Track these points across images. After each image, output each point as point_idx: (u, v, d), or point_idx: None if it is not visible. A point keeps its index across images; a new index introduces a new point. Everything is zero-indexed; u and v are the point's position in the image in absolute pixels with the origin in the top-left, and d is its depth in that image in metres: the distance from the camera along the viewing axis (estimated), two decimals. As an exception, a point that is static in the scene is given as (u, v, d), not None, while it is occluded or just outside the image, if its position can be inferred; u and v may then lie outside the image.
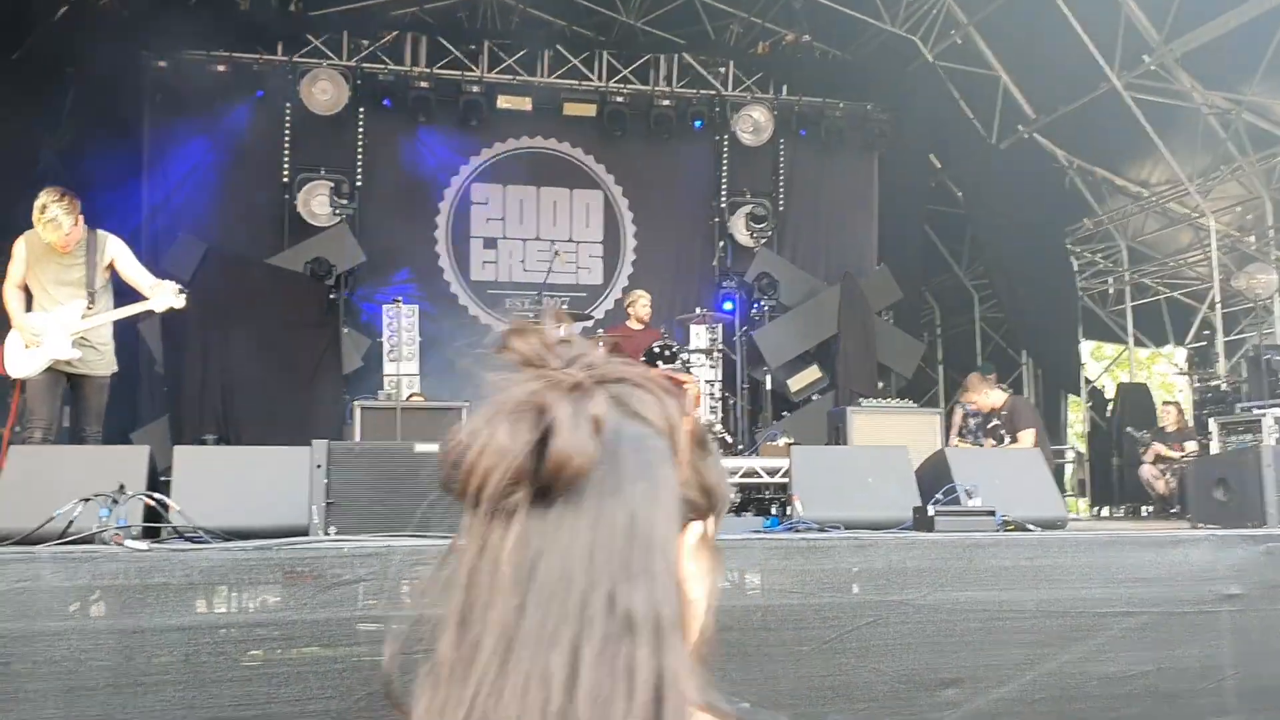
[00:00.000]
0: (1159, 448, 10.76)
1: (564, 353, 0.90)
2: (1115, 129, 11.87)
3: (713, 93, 14.01)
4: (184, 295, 6.04)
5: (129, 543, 3.86)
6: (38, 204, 5.86)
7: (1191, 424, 11.30)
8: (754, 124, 13.99)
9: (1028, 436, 9.19)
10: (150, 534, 4.21)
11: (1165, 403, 11.76)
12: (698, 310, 12.32)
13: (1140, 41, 10.90)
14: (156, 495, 4.37)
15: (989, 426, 9.58)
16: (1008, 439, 9.32)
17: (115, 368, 6.33)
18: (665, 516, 0.84)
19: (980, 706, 4.50)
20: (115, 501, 4.05)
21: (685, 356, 10.42)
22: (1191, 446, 10.63)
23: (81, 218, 6.02)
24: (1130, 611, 4.72)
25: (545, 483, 0.81)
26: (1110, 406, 13.11)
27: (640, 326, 10.51)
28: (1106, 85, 11.42)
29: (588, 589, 0.78)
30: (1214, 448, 9.91)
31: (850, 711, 4.34)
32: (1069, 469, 13.70)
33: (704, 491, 0.90)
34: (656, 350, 9.77)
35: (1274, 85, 10.56)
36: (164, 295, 5.96)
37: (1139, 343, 14.00)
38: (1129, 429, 11.38)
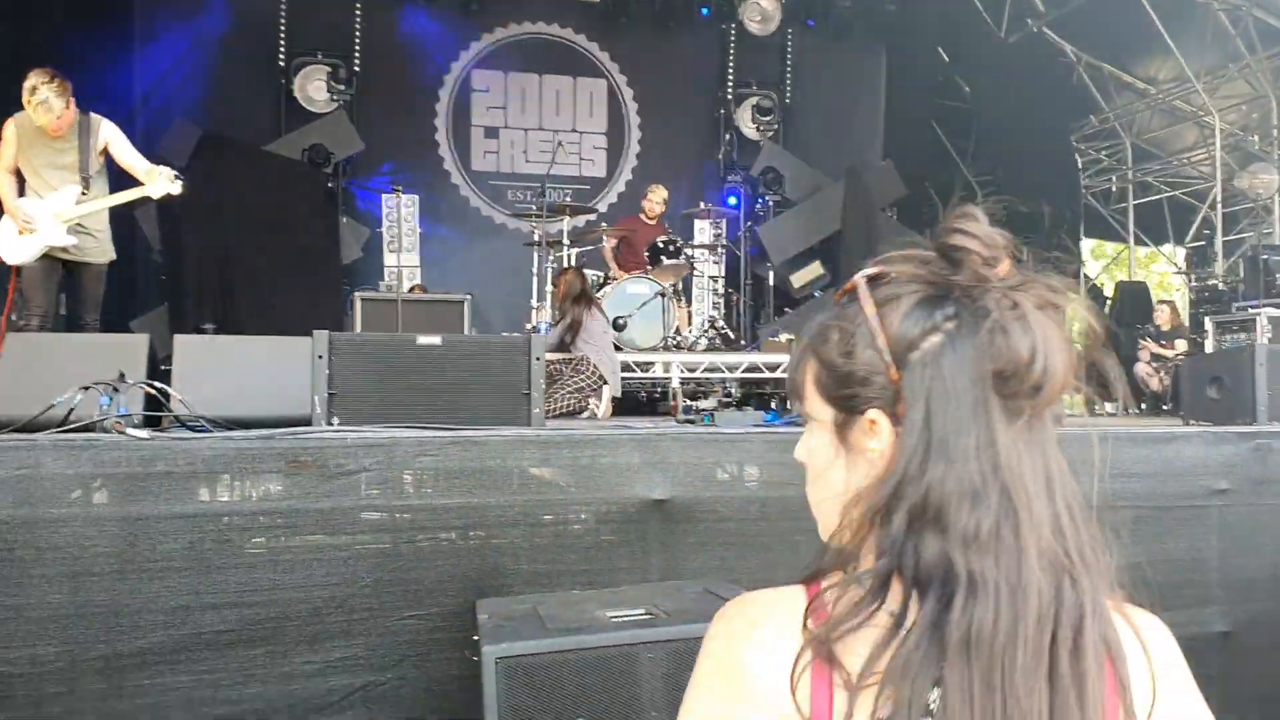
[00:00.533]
0: (1152, 345, 10.78)
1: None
2: (1125, 24, 11.63)
3: (719, -22, 13.69)
4: (180, 181, 5.96)
5: (131, 431, 3.89)
6: (27, 85, 5.74)
7: (1186, 323, 11.30)
8: (762, 12, 13.70)
9: None
10: (151, 423, 4.23)
11: (1160, 301, 11.75)
12: (702, 205, 12.22)
13: (1157, -69, 10.64)
14: (158, 384, 4.38)
15: None
16: None
17: (113, 255, 6.28)
18: None
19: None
20: (115, 390, 4.06)
21: (689, 252, 10.37)
22: (1182, 345, 10.65)
23: (73, 100, 5.91)
24: (1121, 505, 4.78)
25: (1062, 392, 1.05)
26: (1109, 304, 13.08)
27: (652, 221, 10.42)
28: (1120, -24, 11.16)
29: (1058, 478, 1.08)
30: (1209, 346, 9.93)
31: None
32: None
33: None
34: (660, 245, 9.72)
35: (1292, -21, 10.34)
36: (160, 181, 5.88)
37: (1139, 241, 13.93)
38: (1138, 327, 11.38)
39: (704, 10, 13.71)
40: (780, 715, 1.06)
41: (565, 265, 9.38)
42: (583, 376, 7.49)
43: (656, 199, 10.39)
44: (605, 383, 7.63)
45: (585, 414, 7.37)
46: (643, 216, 10.46)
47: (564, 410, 7.33)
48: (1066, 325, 1.05)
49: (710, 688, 1.11)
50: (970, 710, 0.98)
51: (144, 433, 3.91)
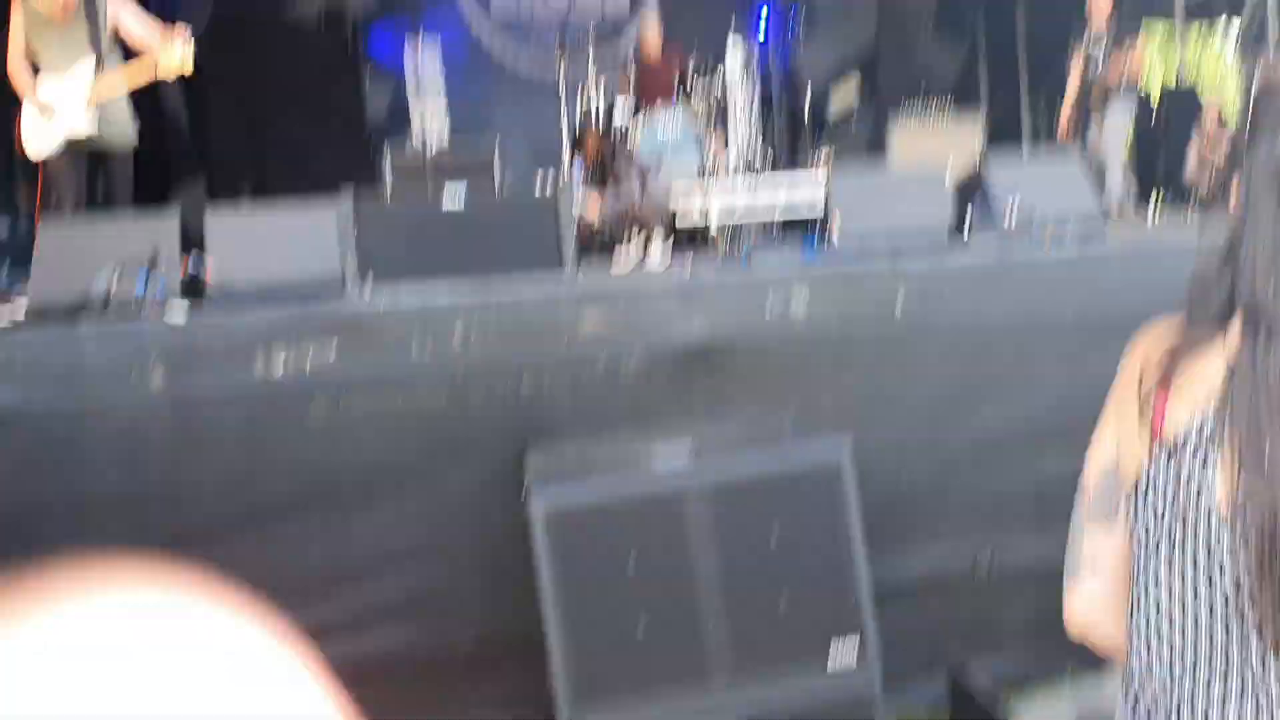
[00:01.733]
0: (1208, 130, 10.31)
1: None
2: None
3: None
4: (190, 50, 5.71)
5: (169, 309, 3.92)
6: None
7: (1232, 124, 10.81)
8: None
9: None
10: (190, 298, 4.26)
11: (1206, 102, 11.17)
12: (730, 29, 11.82)
13: None
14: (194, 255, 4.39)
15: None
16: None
17: (135, 140, 6.17)
18: None
19: (1018, 417, 4.58)
20: (153, 266, 4.08)
21: (722, 68, 10.05)
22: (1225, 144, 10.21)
23: None
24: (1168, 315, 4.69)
25: None
26: (1154, 115, 12.53)
27: (654, 57, 10.06)
28: None
29: None
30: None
31: (892, 427, 4.43)
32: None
33: None
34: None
35: None
36: (169, 55, 5.68)
37: (1190, 15, 13.14)
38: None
39: None
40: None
41: (589, 129, 9.14)
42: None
43: (648, 30, 10.02)
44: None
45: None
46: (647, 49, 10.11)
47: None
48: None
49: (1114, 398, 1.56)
50: (1240, 440, 1.29)
51: (182, 310, 3.94)
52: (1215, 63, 8.91)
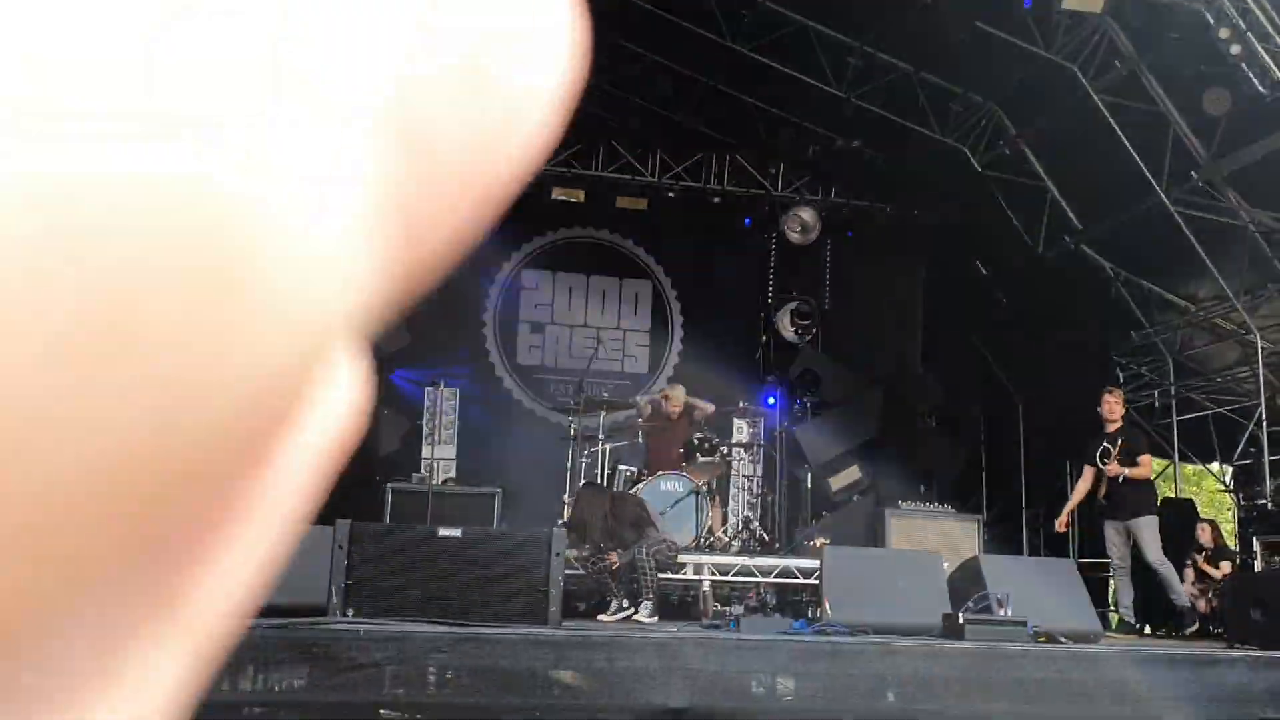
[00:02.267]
0: (1202, 563, 10.50)
1: None
2: (1162, 243, 11.80)
3: (762, 192, 14.19)
4: None
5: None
6: None
7: (1229, 544, 11.02)
8: (802, 224, 14.11)
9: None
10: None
11: (1200, 521, 11.50)
12: (740, 404, 12.30)
13: (1188, 158, 10.91)
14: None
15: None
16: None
17: None
18: None
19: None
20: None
21: (724, 449, 10.38)
22: (1227, 566, 10.36)
23: None
24: (1165, 735, 4.57)
25: None
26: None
27: (667, 420, 10.46)
28: (1154, 199, 11.39)
29: None
30: (1258, 567, 9.65)
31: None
32: (1111, 584, 13.38)
33: None
34: (695, 442, 9.74)
35: (1321, 206, 10.51)
36: None
37: (1185, 458, 13.73)
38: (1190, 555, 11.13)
39: (746, 220, 14.16)
40: None
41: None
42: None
43: (675, 399, 10.40)
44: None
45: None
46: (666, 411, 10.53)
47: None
48: None
49: None
50: None
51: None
52: (1212, 484, 9.24)
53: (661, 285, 14.09)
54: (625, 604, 7.19)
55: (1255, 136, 10.20)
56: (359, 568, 4.42)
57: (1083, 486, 9.35)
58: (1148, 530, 8.94)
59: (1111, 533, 9.15)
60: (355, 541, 4.40)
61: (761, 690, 4.37)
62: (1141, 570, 9.58)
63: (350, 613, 4.33)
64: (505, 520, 9.22)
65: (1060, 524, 9.27)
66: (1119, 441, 9.13)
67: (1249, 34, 9.48)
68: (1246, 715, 4.66)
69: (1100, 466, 9.17)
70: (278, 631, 3.86)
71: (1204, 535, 10.83)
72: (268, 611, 4.20)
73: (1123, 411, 9.53)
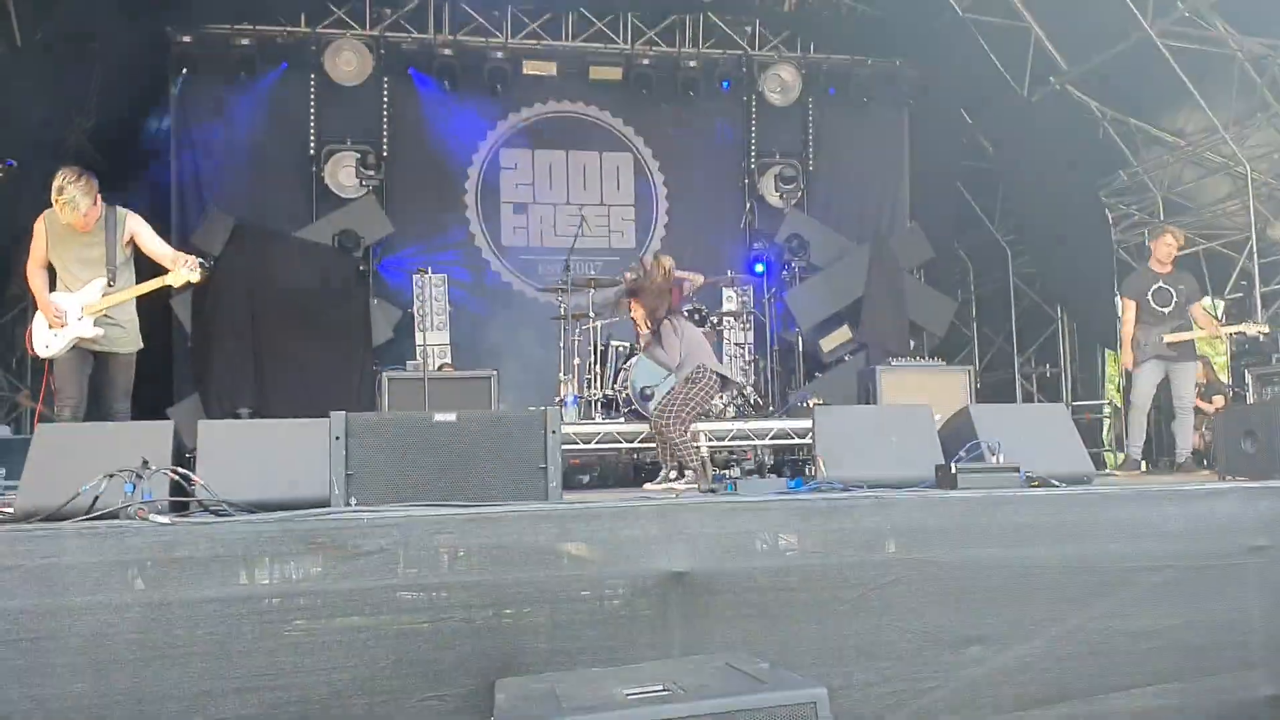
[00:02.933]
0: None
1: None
2: (1149, 78, 11.61)
3: (739, 53, 13.90)
4: (202, 270, 6.08)
5: (153, 517, 3.92)
6: (55, 185, 5.92)
7: (1224, 378, 11.11)
8: (781, 84, 13.87)
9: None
10: (175, 509, 4.27)
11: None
12: (728, 273, 12.27)
13: (1173, -14, 10.67)
14: (180, 470, 4.43)
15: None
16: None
17: (140, 344, 6.40)
18: None
19: (1005, 663, 4.49)
20: (139, 477, 4.11)
21: (714, 319, 10.39)
22: (1219, 401, 10.47)
23: (99, 196, 6.08)
24: (1156, 566, 4.68)
25: None
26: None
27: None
28: (1140, 33, 11.16)
29: None
30: (1250, 399, 9.76)
31: (874, 670, 4.35)
32: (1106, 424, 13.57)
33: None
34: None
35: (1310, 28, 10.31)
36: (182, 270, 6.02)
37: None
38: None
39: (724, 84, 13.90)
40: None
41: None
42: (699, 386, 7.47)
43: (665, 265, 10.40)
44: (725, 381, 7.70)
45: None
46: None
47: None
48: None
49: None
50: None
51: (166, 518, 3.95)
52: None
53: (642, 157, 13.92)
54: (673, 475, 7.33)
55: (1241, -39, 9.96)
56: (357, 457, 4.45)
57: (1130, 317, 8.97)
58: (1191, 374, 8.84)
59: (1151, 371, 8.79)
60: (352, 433, 4.43)
61: (764, 547, 4.45)
62: (1154, 410, 9.64)
63: (353, 501, 4.38)
64: (503, 401, 9.28)
65: (1129, 363, 8.90)
66: (1179, 287, 8.81)
67: None
68: (1239, 545, 4.78)
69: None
70: (282, 524, 3.91)
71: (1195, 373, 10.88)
72: (272, 506, 4.26)
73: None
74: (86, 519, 3.96)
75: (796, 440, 9.23)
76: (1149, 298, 8.87)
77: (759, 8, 13.99)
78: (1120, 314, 9.28)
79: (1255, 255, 11.63)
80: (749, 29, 13.90)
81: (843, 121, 14.23)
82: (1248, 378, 10.05)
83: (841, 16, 13.90)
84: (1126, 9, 11.04)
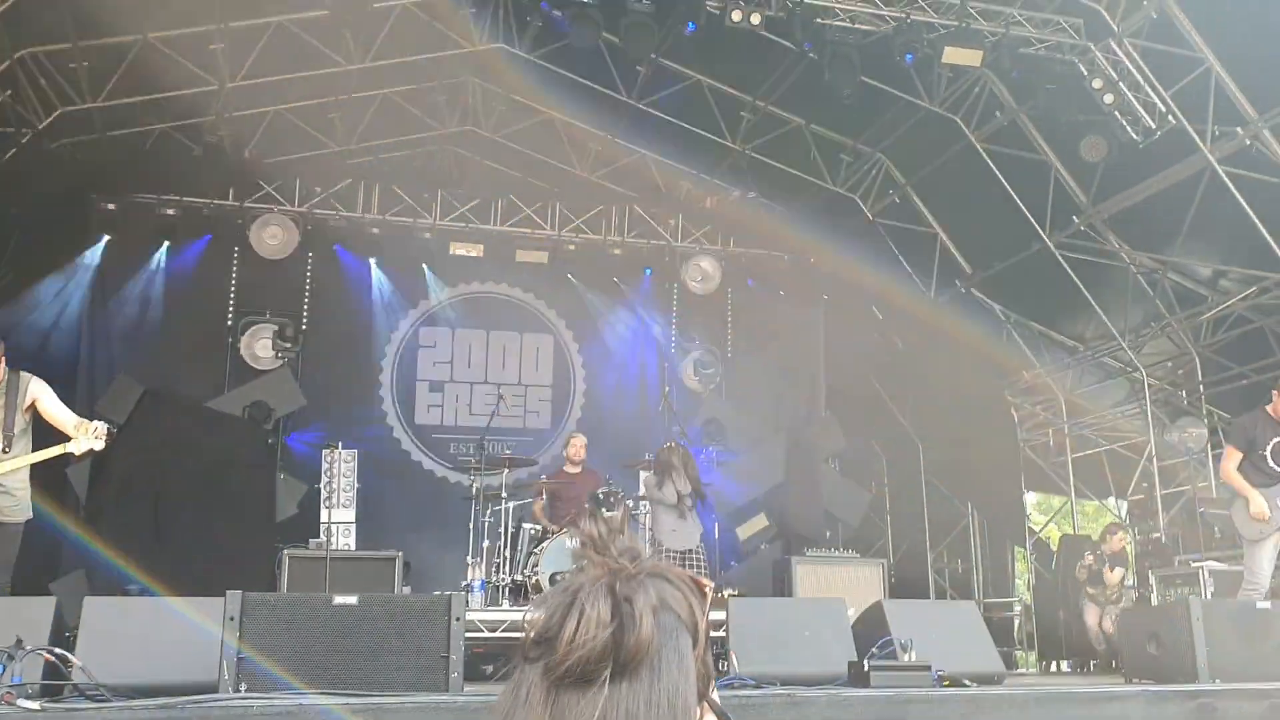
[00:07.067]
0: (1091, 561, 10.53)
1: (620, 543, 1.13)
2: (1049, 285, 12.19)
3: (662, 243, 14.30)
4: (105, 437, 5.89)
5: (21, 702, 3.67)
6: None
7: (1130, 578, 11.27)
8: (703, 273, 14.26)
9: None
10: (49, 691, 4.01)
11: (1111, 524, 11.59)
12: (646, 456, 12.26)
13: (1070, 203, 11.31)
14: (58, 650, 4.18)
15: None
16: None
17: (29, 514, 6.11)
18: (691, 693, 1.11)
19: None
20: (11, 657, 3.87)
21: (630, 502, 10.32)
22: (1121, 573, 10.43)
23: (3, 360, 5.92)
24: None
25: (623, 661, 1.05)
26: (1054, 559, 13.08)
27: (576, 469, 10.47)
28: (1039, 244, 11.77)
29: None
30: (1154, 601, 9.89)
31: None
32: (1016, 621, 13.60)
33: (706, 676, 1.17)
34: (601, 496, 9.67)
35: (1195, 247, 10.95)
36: (84, 439, 5.82)
37: (1081, 494, 14.08)
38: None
39: (647, 271, 14.25)
40: None
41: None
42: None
43: (574, 446, 10.58)
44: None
45: None
46: (566, 467, 10.53)
47: None
48: None
49: None
50: None
51: (35, 704, 3.69)
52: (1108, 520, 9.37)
53: (563, 339, 14.07)
54: None
55: (1132, 181, 10.62)
56: (251, 640, 4.25)
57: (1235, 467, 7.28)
58: None
59: (1273, 549, 7.02)
60: (247, 613, 4.24)
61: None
62: (1048, 610, 9.48)
63: (244, 687, 4.16)
64: (408, 584, 9.03)
65: (1261, 513, 6.91)
66: None
67: (1120, 84, 9.89)
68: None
69: None
70: (163, 712, 3.69)
71: (1116, 542, 10.87)
72: (153, 691, 4.03)
73: None
74: (-51, 702, 3.69)
75: (710, 633, 9.06)
76: (1267, 453, 7.13)
77: (682, 203, 14.51)
78: (1225, 462, 7.48)
79: (1155, 458, 11.98)
80: (672, 221, 14.37)
81: (761, 311, 14.59)
82: (1151, 579, 10.20)
83: (760, 215, 14.45)
84: (1027, 220, 11.67)
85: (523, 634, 1.10)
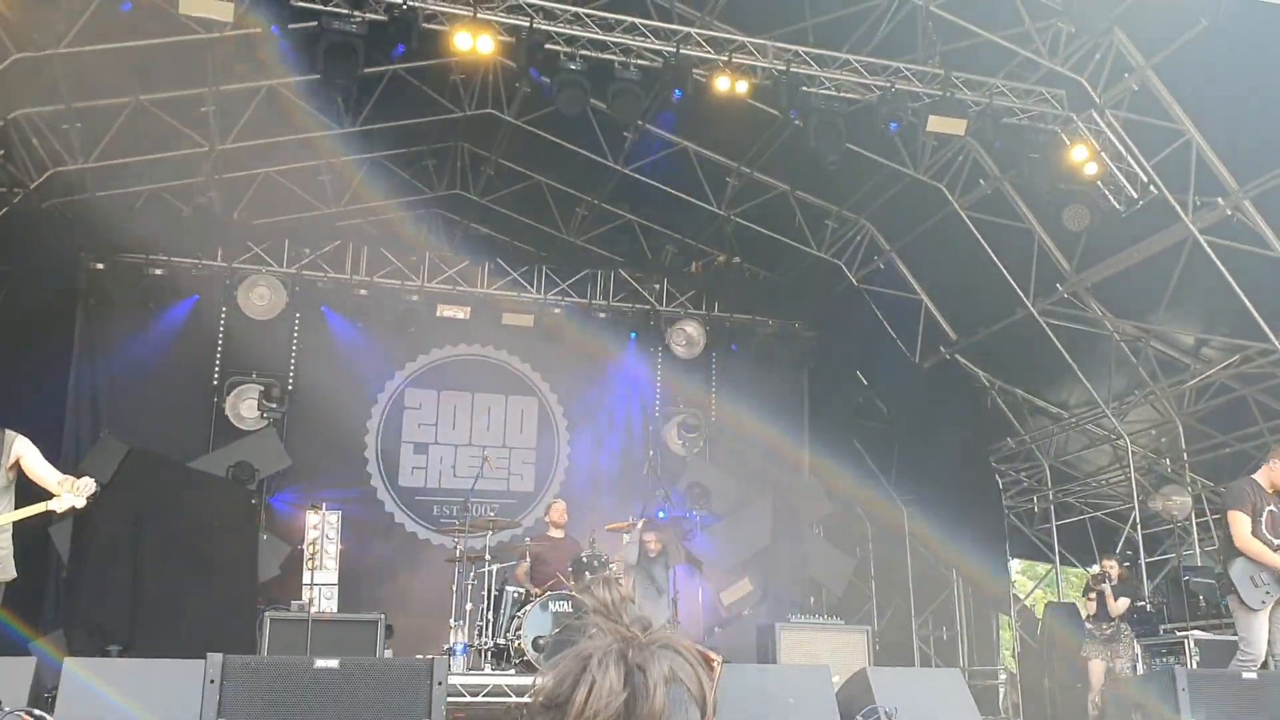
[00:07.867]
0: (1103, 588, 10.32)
1: (631, 611, 1.17)
2: (1033, 352, 12.28)
3: (647, 307, 14.39)
4: (87, 495, 5.83)
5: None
6: None
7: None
8: (687, 338, 14.34)
9: None
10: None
11: (1111, 557, 11.42)
12: (629, 519, 12.23)
13: (1053, 270, 11.44)
14: (37, 712, 4.14)
15: None
16: None
17: (13, 574, 6.05)
18: None
19: None
20: (-10, 719, 3.82)
21: (613, 566, 10.27)
22: (1125, 603, 10.14)
23: None
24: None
25: None
26: (1039, 626, 13.03)
27: (559, 533, 10.45)
28: (1023, 311, 11.88)
29: None
30: (1139, 669, 9.83)
31: None
32: (1002, 690, 13.50)
33: None
34: (584, 560, 9.63)
35: (1177, 315, 11.06)
36: (66, 496, 5.78)
37: (1066, 561, 14.06)
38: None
39: (632, 335, 14.33)
40: None
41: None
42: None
43: (555, 510, 10.62)
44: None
45: None
46: (550, 532, 10.52)
47: None
48: None
49: None
50: None
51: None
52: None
53: (547, 402, 14.09)
54: None
55: (1115, 250, 10.76)
56: (231, 704, 4.21)
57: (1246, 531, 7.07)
58: None
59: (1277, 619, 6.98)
60: (228, 676, 4.21)
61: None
62: (1033, 678, 9.45)
63: (222, 754, 4.11)
64: (390, 647, 8.95)
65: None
66: None
67: (1103, 154, 10.06)
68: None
69: None
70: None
71: (1090, 607, 10.70)
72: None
73: None
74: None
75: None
76: (1262, 522, 7.08)
77: (667, 269, 14.65)
78: (1233, 528, 7.14)
79: (1139, 525, 11.99)
80: (657, 286, 14.48)
81: (745, 376, 14.65)
82: (1136, 647, 10.15)
83: (744, 280, 14.59)
84: (1011, 288, 11.78)
85: (530, 698, 1.13)
